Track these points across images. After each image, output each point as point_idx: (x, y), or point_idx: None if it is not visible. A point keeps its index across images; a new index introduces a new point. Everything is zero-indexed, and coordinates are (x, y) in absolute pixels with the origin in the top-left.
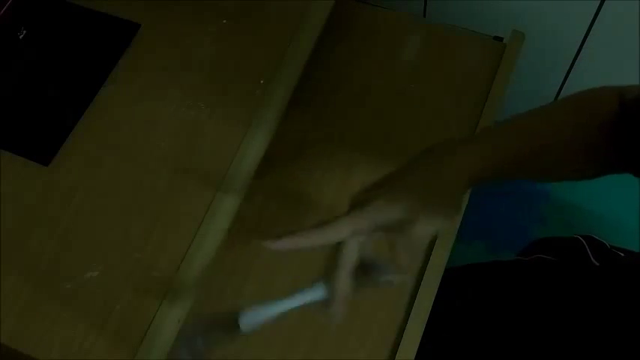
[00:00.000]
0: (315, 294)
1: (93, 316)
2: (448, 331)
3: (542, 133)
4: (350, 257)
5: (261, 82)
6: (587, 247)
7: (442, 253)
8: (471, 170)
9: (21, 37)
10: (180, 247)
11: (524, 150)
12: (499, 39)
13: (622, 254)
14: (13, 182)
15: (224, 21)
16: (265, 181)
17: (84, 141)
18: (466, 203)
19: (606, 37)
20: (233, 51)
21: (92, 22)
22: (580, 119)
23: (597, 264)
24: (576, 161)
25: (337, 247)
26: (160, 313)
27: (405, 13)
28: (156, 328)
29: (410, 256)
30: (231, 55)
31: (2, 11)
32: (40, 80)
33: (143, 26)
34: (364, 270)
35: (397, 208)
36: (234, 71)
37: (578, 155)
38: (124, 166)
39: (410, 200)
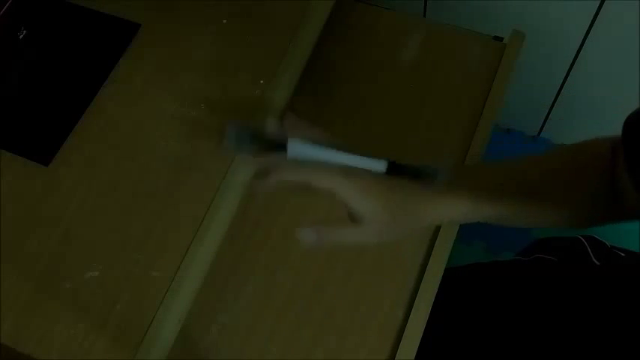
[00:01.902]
0: (375, 164)
1: (93, 316)
2: (448, 331)
3: (536, 179)
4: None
5: (261, 82)
6: (588, 246)
7: (442, 253)
8: (449, 217)
9: (21, 37)
10: (180, 247)
11: (515, 197)
12: (499, 39)
13: (622, 254)
14: (13, 182)
15: (224, 21)
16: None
17: (84, 141)
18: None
19: (606, 37)
20: (233, 51)
21: (92, 22)
22: (576, 166)
23: (598, 263)
24: (570, 208)
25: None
26: (159, 313)
27: (405, 13)
28: (156, 328)
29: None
30: (231, 55)
31: (2, 11)
32: (40, 80)
33: (143, 26)
34: None
35: (365, 206)
36: (234, 71)
37: (572, 203)
38: (124, 166)
39: (379, 209)
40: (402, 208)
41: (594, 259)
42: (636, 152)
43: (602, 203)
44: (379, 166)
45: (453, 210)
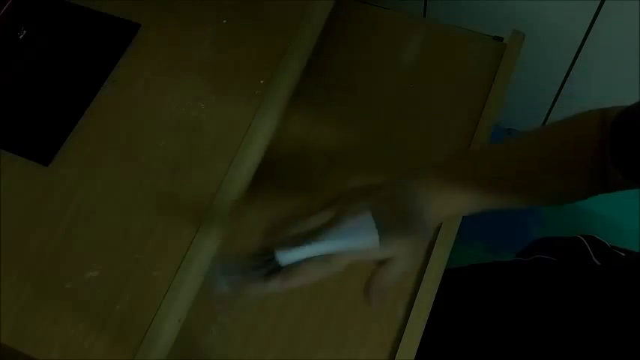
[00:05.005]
0: (366, 240)
1: (93, 316)
2: (448, 331)
3: (531, 159)
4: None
5: (261, 82)
6: (588, 246)
7: (442, 253)
8: (453, 212)
9: (21, 37)
10: (180, 247)
11: (511, 178)
12: (499, 39)
13: (622, 254)
14: (13, 182)
15: (224, 21)
16: (265, 180)
17: (84, 141)
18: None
19: (606, 37)
20: (233, 51)
21: (92, 22)
22: (567, 142)
23: (599, 263)
24: (564, 183)
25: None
26: (159, 313)
27: (405, 13)
28: (156, 328)
29: (379, 291)
30: (231, 55)
31: (2, 11)
32: (40, 80)
33: (143, 26)
34: None
35: (387, 251)
36: (234, 71)
37: (566, 177)
38: (124, 166)
39: (398, 244)
40: (415, 220)
41: (595, 259)
42: (623, 150)
43: (588, 181)
44: (368, 240)
45: (455, 204)
